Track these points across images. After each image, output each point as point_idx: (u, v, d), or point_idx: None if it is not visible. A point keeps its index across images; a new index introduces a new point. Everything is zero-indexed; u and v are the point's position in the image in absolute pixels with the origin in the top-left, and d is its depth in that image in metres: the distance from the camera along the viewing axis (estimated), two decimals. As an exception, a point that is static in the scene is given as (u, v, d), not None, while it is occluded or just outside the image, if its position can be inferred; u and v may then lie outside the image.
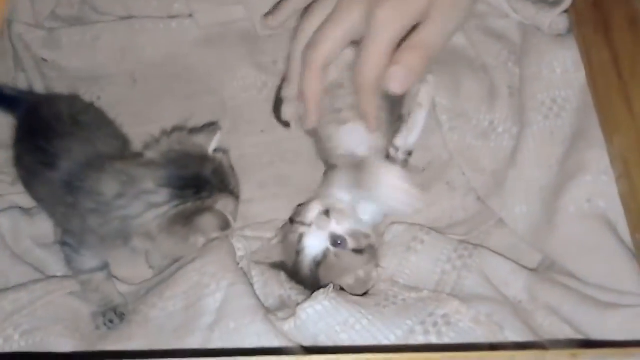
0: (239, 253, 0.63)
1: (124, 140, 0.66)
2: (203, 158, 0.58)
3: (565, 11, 0.68)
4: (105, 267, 0.62)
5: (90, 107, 0.69)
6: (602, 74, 0.61)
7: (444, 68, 0.69)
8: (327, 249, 0.59)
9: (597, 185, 0.59)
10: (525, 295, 0.59)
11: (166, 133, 0.61)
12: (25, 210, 0.67)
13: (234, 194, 0.59)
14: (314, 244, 0.59)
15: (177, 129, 0.62)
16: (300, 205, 0.62)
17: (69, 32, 0.76)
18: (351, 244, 0.59)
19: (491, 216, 0.66)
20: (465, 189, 0.68)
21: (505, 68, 0.70)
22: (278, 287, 0.61)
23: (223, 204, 0.57)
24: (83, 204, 0.56)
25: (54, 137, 0.60)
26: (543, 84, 0.66)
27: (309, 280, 0.59)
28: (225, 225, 0.56)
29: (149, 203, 0.55)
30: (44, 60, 0.76)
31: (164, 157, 0.57)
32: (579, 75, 0.65)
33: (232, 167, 0.61)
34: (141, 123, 0.71)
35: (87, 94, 0.73)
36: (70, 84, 0.73)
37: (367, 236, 0.61)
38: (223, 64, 0.75)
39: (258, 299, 0.57)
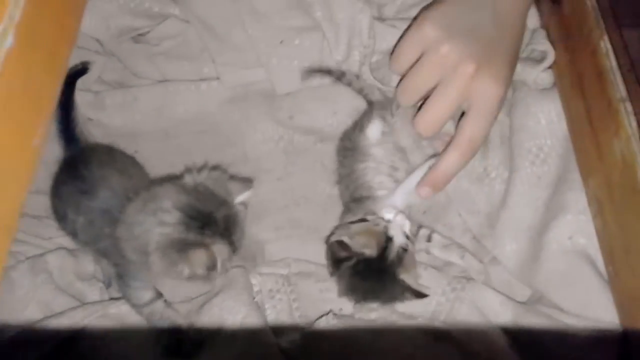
0: (255, 288, 0.70)
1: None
2: (223, 202, 0.62)
3: (550, 67, 0.75)
4: (160, 294, 0.65)
5: (124, 153, 0.77)
6: (578, 123, 0.68)
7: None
8: (407, 243, 0.66)
9: (577, 223, 0.65)
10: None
11: (209, 167, 0.66)
12: (70, 251, 0.75)
13: (233, 245, 0.62)
14: (397, 237, 0.65)
15: (219, 168, 0.68)
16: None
17: (112, 94, 0.86)
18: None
19: (485, 254, 0.72)
20: (462, 230, 0.74)
21: (498, 119, 0.77)
22: (288, 317, 0.67)
23: (219, 248, 0.60)
24: (115, 232, 0.60)
25: (92, 168, 0.67)
26: (530, 134, 0.72)
27: (394, 267, 0.65)
28: (211, 267, 0.59)
29: (160, 220, 0.59)
30: (90, 119, 0.85)
31: (194, 186, 0.62)
32: (562, 125, 0.71)
33: (244, 223, 0.64)
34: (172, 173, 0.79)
35: (126, 149, 0.82)
36: (112, 140, 0.83)
37: None
38: (245, 120, 0.84)
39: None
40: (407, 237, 0.66)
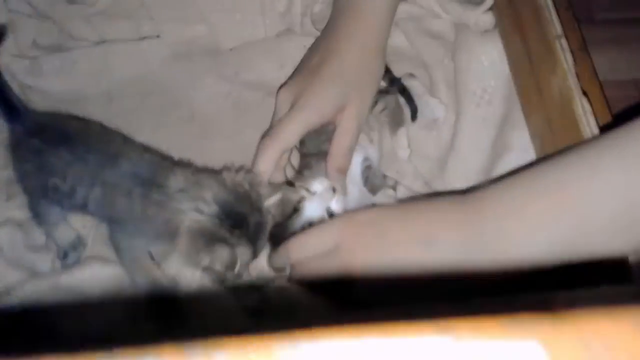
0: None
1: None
2: (257, 208, 0.63)
3: (490, 9, 0.76)
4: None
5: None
6: (518, 63, 0.69)
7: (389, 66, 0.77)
8: (324, 217, 0.65)
9: (520, 161, 0.67)
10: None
11: (247, 170, 0.66)
12: (20, 225, 0.74)
13: (255, 252, 0.64)
14: (313, 209, 0.65)
15: (252, 171, 0.67)
16: (301, 171, 0.69)
17: (49, 59, 0.83)
18: None
19: (435, 198, 0.74)
20: (413, 175, 0.75)
21: (442, 64, 0.77)
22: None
23: (242, 251, 0.61)
24: (150, 195, 0.62)
25: (101, 145, 0.67)
26: (473, 76, 0.73)
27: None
28: (230, 267, 0.60)
29: (197, 208, 0.61)
30: (29, 86, 0.83)
31: (233, 185, 0.63)
32: (504, 66, 0.72)
33: (268, 232, 0.65)
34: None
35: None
36: (52, 106, 0.80)
37: None
38: (190, 78, 0.82)
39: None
40: (331, 215, 0.65)
